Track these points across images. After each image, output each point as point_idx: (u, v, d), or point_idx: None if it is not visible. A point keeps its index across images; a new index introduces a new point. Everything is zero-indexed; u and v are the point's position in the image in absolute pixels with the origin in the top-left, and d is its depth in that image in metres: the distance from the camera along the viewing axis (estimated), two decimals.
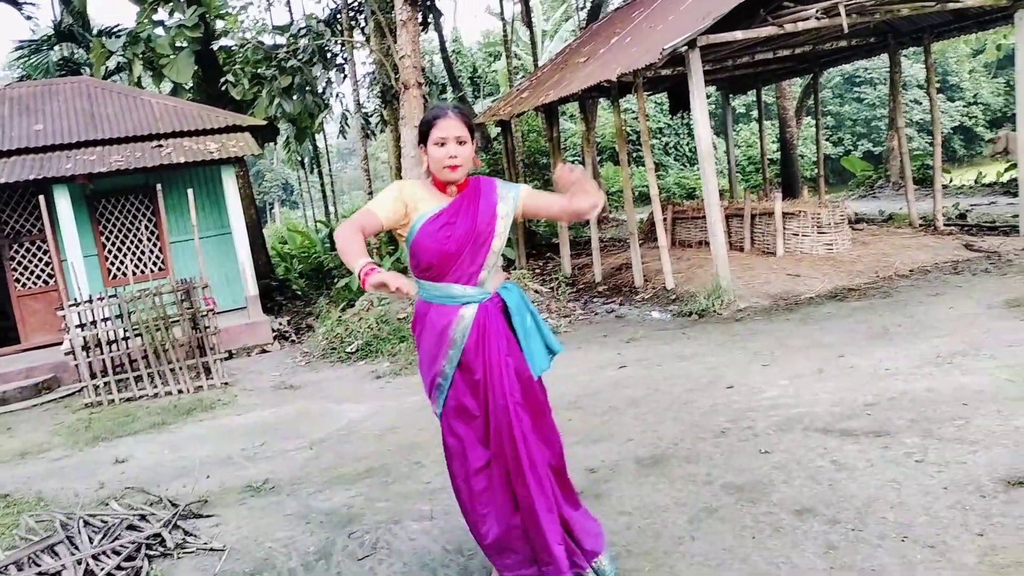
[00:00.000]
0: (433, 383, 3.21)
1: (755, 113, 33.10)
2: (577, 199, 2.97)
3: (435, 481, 5.08)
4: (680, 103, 14.85)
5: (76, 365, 9.31)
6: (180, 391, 9.25)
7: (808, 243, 10.94)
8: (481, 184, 3.19)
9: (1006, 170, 19.62)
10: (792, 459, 4.58)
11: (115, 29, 20.11)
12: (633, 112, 28.95)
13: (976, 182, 19.75)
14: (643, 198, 25.31)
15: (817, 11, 9.18)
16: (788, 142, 19.41)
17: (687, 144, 33.33)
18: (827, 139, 35.66)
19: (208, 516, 5.03)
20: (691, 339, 8.27)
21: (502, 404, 3.10)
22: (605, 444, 5.36)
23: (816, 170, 15.37)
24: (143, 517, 5.04)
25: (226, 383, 9.38)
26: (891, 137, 21.01)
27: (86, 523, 4.95)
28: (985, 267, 9.53)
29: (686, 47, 8.96)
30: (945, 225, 12.41)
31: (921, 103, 34.37)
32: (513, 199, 3.17)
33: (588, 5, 26.36)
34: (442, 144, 3.01)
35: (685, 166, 33.09)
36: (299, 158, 27.62)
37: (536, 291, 11.48)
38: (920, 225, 12.67)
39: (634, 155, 30.02)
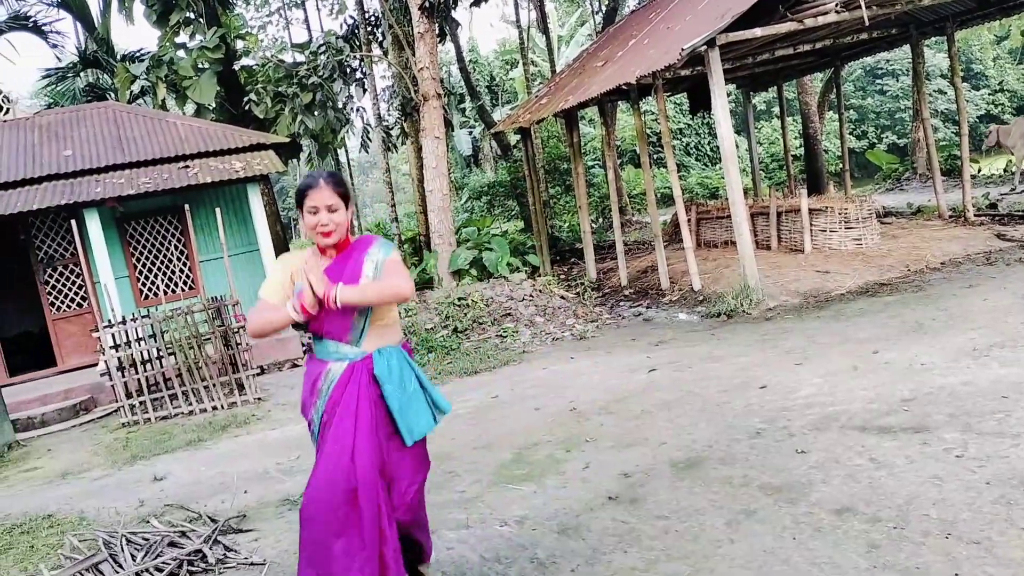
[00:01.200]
0: (309, 427, 3.39)
1: (776, 110, 32.90)
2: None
3: (470, 490, 5.09)
4: (700, 103, 14.80)
5: (112, 385, 9.44)
6: (215, 408, 9.34)
7: (836, 239, 10.84)
8: (357, 245, 3.30)
9: None
10: (830, 458, 4.53)
11: (138, 53, 20.48)
12: (653, 114, 28.89)
13: (1005, 171, 19.45)
14: (666, 200, 25.26)
15: (837, 4, 9.12)
16: (811, 137, 19.25)
17: (708, 144, 33.18)
18: (851, 133, 35.34)
19: (247, 531, 5.07)
20: (721, 340, 8.22)
21: (347, 464, 3.15)
22: (639, 449, 5.35)
23: (841, 165, 15.23)
24: (183, 534, 5.09)
25: (259, 398, 9.47)
26: (916, 128, 20.77)
27: (128, 541, 5.01)
28: (1019, 257, 9.39)
29: (705, 46, 8.94)
30: (975, 216, 12.24)
31: (945, 93, 33.96)
32: (379, 261, 3.25)
33: (603, 9, 26.37)
34: (314, 212, 3.16)
35: (707, 166, 32.94)
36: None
37: (562, 297, 11.48)
38: (950, 216, 12.50)
39: (655, 157, 29.96)
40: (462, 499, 4.96)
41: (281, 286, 3.25)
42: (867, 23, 9.35)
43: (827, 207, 10.97)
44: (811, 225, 11.05)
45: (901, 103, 35.91)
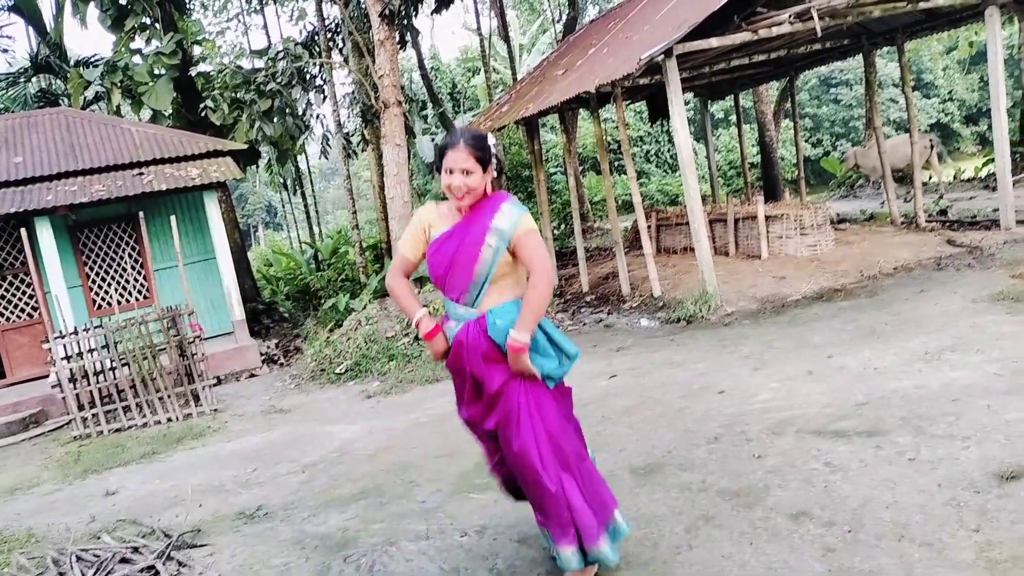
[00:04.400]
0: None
1: (733, 118, 33.30)
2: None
3: (430, 500, 5.05)
4: (659, 111, 14.92)
5: (63, 398, 9.23)
6: (169, 419, 9.17)
7: (792, 245, 11.00)
8: (486, 208, 3.29)
9: (984, 164, 19.80)
10: (786, 462, 4.58)
11: (92, 59, 20.07)
12: (613, 121, 29.08)
13: (955, 178, 19.92)
14: (626, 206, 25.43)
15: (790, 16, 9.27)
16: (768, 146, 19.53)
17: (668, 151, 33.49)
18: (806, 141, 35.94)
19: (202, 546, 4.98)
20: (680, 346, 8.28)
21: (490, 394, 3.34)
22: (599, 455, 5.33)
23: (796, 172, 15.48)
24: (136, 549, 4.98)
25: (215, 409, 9.32)
26: (869, 137, 21.17)
27: (79, 558, 4.89)
28: (968, 262, 9.60)
29: (663, 56, 9.02)
30: (927, 222, 12.50)
31: (897, 102, 34.67)
32: (508, 232, 3.23)
33: (564, 18, 26.52)
34: (450, 173, 3.21)
35: (667, 173, 33.24)
36: (282, 180, 27.57)
37: None
38: (902, 223, 12.76)
39: (616, 164, 30.18)
40: (423, 509, 4.92)
41: (414, 242, 3.39)
42: (819, 34, 9.53)
43: (783, 214, 11.14)
44: (768, 232, 11.21)
45: (855, 112, 36.60)
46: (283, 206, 41.30)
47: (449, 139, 3.24)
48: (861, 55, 13.49)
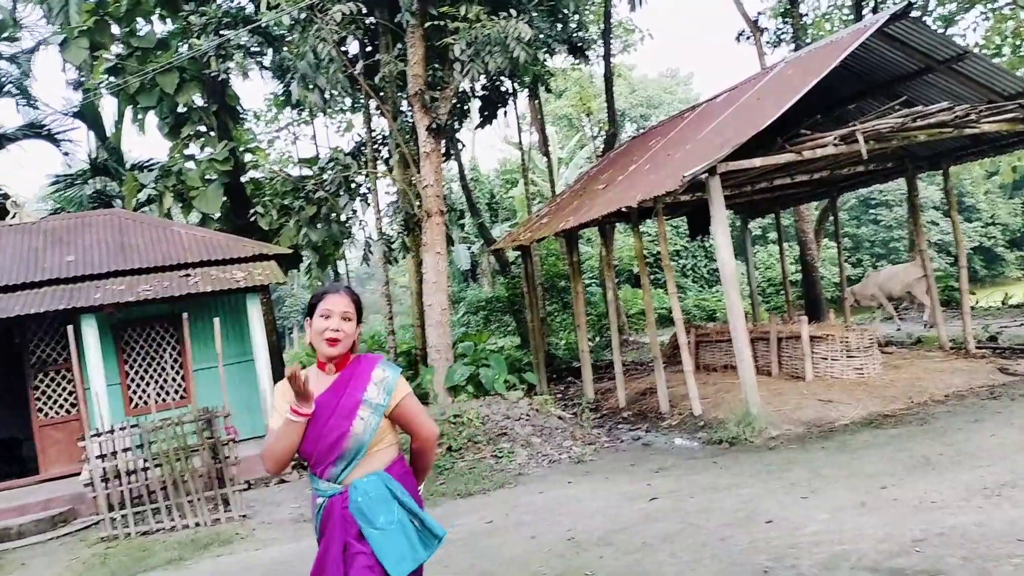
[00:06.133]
0: None
1: (771, 235, 33.50)
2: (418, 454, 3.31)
3: None
4: (699, 227, 15.03)
5: (95, 497, 9.13)
6: (198, 524, 9.00)
7: (838, 367, 10.75)
8: (359, 362, 3.19)
9: None
10: None
11: (147, 163, 20.91)
12: (650, 235, 29.34)
13: (1003, 303, 19.59)
14: (663, 320, 25.30)
15: (835, 138, 9.37)
16: (809, 264, 19.46)
17: (705, 266, 33.56)
18: (846, 260, 35.79)
19: None
20: (723, 469, 8.01)
21: None
22: None
23: (837, 292, 15.33)
24: None
25: (244, 515, 9.13)
26: (913, 258, 21.05)
27: None
28: (1023, 392, 9.29)
29: (706, 174, 9.11)
30: (977, 348, 12.19)
31: (939, 224, 34.64)
32: (384, 403, 3.11)
33: (602, 134, 27.21)
34: (326, 317, 3.10)
35: (704, 288, 33.20)
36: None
37: (559, 417, 11.28)
38: (951, 348, 12.45)
39: (652, 277, 30.18)
40: None
41: (285, 414, 3.12)
42: (865, 157, 9.59)
43: (828, 335, 10.94)
44: (812, 352, 10.98)
45: (895, 232, 36.59)
46: None
47: (328, 287, 3.21)
48: (903, 178, 13.54)
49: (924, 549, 4.90)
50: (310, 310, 3.15)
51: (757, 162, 9.54)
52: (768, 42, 21.25)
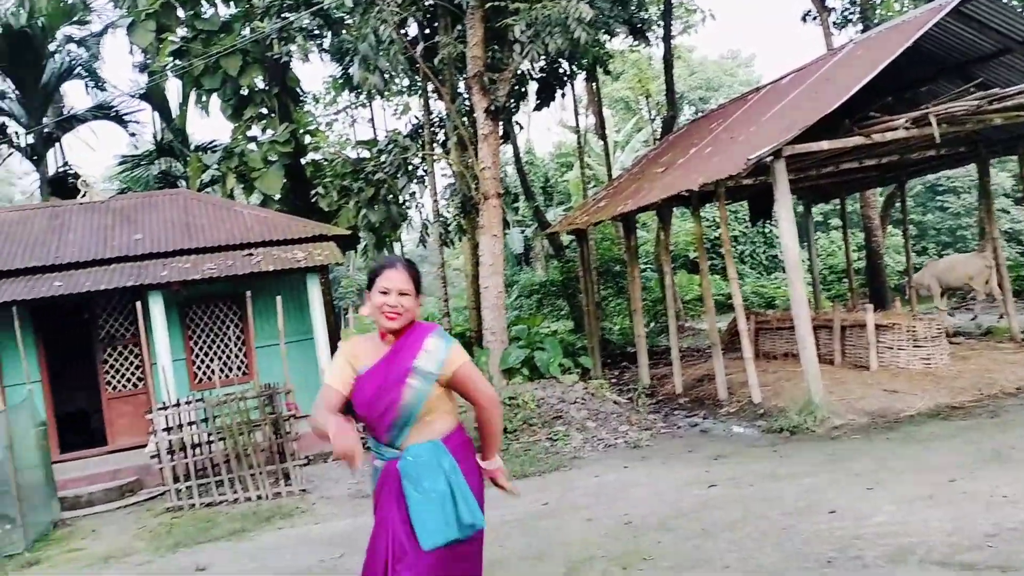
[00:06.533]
0: None
1: (832, 221, 32.71)
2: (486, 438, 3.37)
3: None
4: (760, 211, 14.76)
5: (161, 468, 9.39)
6: (260, 497, 9.20)
7: (904, 357, 10.46)
8: (410, 342, 3.19)
9: None
10: None
11: (211, 145, 21.33)
12: (707, 220, 28.90)
13: None
14: (718, 307, 24.99)
15: (907, 121, 9.08)
16: (874, 252, 18.94)
17: (764, 252, 32.98)
18: (911, 248, 34.83)
19: None
20: (784, 458, 7.89)
21: (383, 556, 3.14)
22: (700, 572, 5.06)
23: (900, 280, 14.93)
24: None
25: (304, 490, 9.31)
26: (982, 248, 20.36)
27: None
28: None
29: (771, 157, 8.92)
30: None
31: (1009, 212, 33.42)
32: (435, 372, 3.13)
33: (660, 117, 26.83)
34: (385, 293, 3.14)
35: (761, 275, 32.63)
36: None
37: (615, 401, 11.22)
38: (1022, 339, 12.03)
39: (709, 264, 29.74)
40: None
41: (342, 375, 3.21)
42: (938, 140, 9.28)
43: (894, 323, 10.66)
44: (877, 341, 10.71)
45: (962, 220, 35.44)
46: None
47: (386, 261, 3.24)
48: (975, 164, 13.09)
49: (996, 544, 4.77)
50: (369, 283, 3.20)
51: (824, 145, 9.30)
52: (835, 23, 20.63)
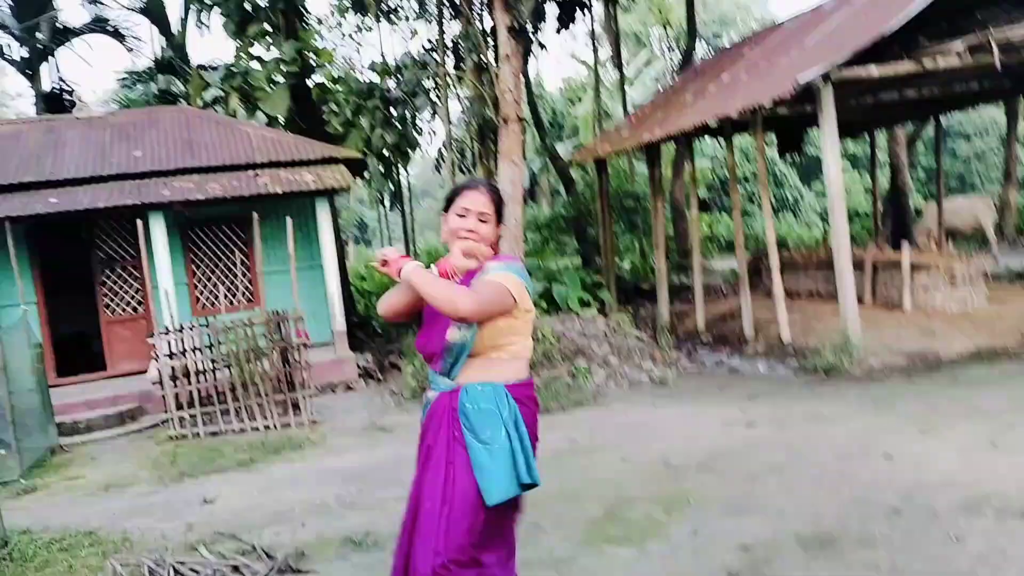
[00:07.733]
0: None
1: (854, 159, 32.00)
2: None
3: (559, 549, 4.48)
4: (788, 144, 14.15)
5: (163, 395, 8.99)
6: (267, 427, 8.83)
7: (939, 298, 10.03)
8: (482, 267, 2.89)
9: None
10: (994, 549, 3.89)
11: (212, 64, 20.47)
12: (718, 159, 28.22)
13: None
14: (729, 246, 24.53)
15: (965, 46, 8.46)
16: (900, 191, 18.35)
17: (775, 192, 32.38)
18: (918, 192, 34.30)
19: (306, 572, 4.52)
20: (824, 399, 7.51)
21: (414, 493, 2.93)
22: (754, 517, 4.70)
23: (937, 221, 14.41)
24: (236, 568, 4.59)
25: (314, 421, 8.94)
26: (1005, 190, 19.77)
27: (176, 571, 4.50)
28: None
29: (821, 80, 8.31)
30: None
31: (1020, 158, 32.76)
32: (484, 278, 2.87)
33: (672, 52, 25.90)
34: (463, 215, 2.90)
35: (775, 214, 32.14)
36: (379, 196, 27.56)
37: (638, 337, 10.80)
38: None
39: (719, 202, 29.36)
40: (552, 559, 4.36)
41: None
42: (999, 67, 8.65)
43: (931, 263, 10.19)
44: (911, 281, 10.25)
45: (972, 165, 34.85)
46: (379, 222, 41.49)
47: (468, 182, 3.03)
48: (1000, 106, 12.46)
49: None
50: (447, 205, 2.96)
51: (875, 71, 8.69)
52: None
